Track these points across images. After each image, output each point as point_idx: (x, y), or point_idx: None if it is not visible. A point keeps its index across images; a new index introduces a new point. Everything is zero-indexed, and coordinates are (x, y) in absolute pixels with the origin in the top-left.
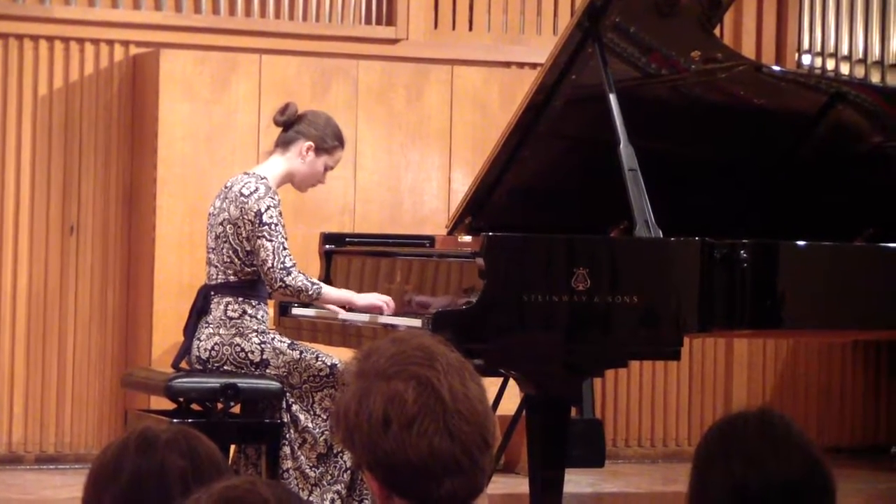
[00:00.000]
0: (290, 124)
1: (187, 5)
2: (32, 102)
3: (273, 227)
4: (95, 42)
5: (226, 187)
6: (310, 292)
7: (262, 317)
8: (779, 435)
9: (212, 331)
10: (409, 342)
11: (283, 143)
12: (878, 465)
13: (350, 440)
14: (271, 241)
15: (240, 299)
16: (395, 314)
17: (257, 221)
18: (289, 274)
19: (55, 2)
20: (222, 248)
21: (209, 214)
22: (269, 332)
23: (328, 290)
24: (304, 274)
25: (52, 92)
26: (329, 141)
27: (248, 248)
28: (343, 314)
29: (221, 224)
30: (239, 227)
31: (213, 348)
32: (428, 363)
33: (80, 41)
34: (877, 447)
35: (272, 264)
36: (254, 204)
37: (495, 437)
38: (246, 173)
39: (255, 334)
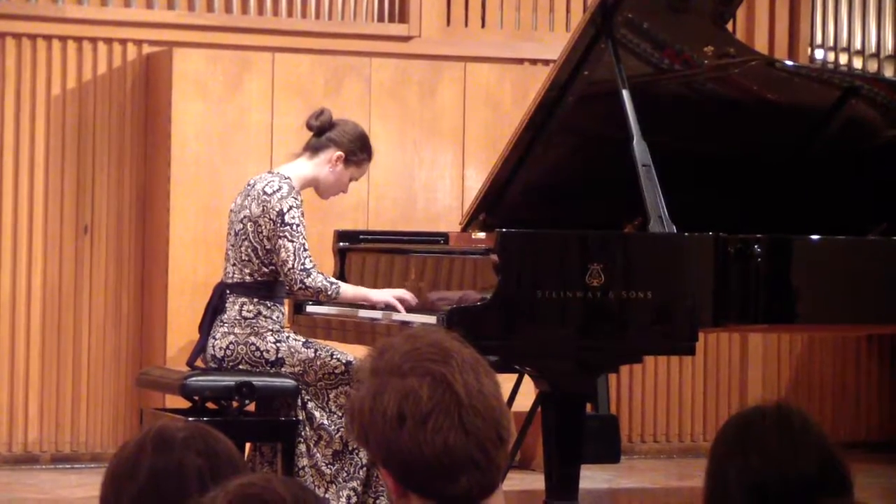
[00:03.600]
0: (322, 130)
1: (200, 4)
2: (46, 102)
3: (295, 227)
4: (108, 41)
5: (248, 185)
6: (329, 292)
7: (278, 317)
8: (796, 429)
9: (226, 330)
10: (424, 339)
11: (312, 148)
12: (893, 460)
13: (365, 437)
14: (292, 241)
15: (255, 300)
16: (411, 311)
17: (279, 221)
18: (308, 275)
19: (68, 1)
20: (241, 246)
21: (230, 211)
22: (283, 331)
23: (346, 289)
24: (322, 274)
25: (65, 92)
26: (359, 154)
27: (268, 247)
28: (358, 311)
29: (242, 221)
30: (260, 225)
31: (227, 347)
32: (442, 359)
33: (93, 41)
34: (892, 441)
35: (292, 265)
36: (276, 203)
37: (510, 433)
38: (270, 172)
39: (270, 333)
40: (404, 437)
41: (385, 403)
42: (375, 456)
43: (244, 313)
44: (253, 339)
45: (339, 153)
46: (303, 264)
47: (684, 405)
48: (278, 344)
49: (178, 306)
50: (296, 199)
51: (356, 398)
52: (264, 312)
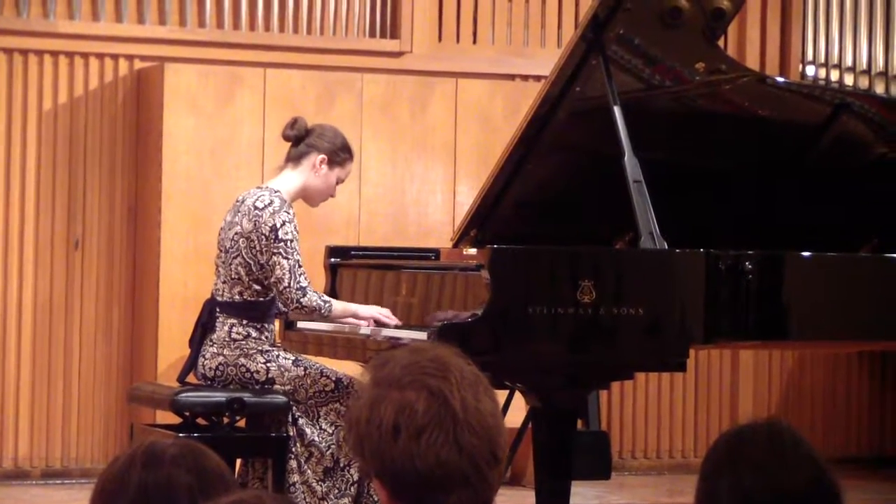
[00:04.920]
0: (299, 138)
1: (191, 19)
2: (37, 117)
3: (289, 243)
4: (100, 56)
5: (238, 201)
6: (322, 311)
7: (267, 337)
8: (787, 446)
9: (216, 350)
10: (426, 353)
11: (294, 158)
12: (884, 476)
13: (360, 447)
14: (287, 258)
15: (244, 322)
16: (402, 327)
17: (272, 237)
18: (304, 294)
19: (60, 16)
20: (231, 263)
21: (220, 228)
22: (273, 350)
23: (336, 306)
24: (316, 292)
25: (56, 106)
26: (341, 154)
27: (262, 262)
28: (348, 328)
29: (233, 239)
30: (252, 240)
31: (217, 368)
32: (442, 375)
33: (85, 56)
34: (883, 457)
35: (288, 283)
36: (269, 218)
37: (506, 452)
38: (259, 187)
39: (259, 354)
40: (398, 449)
41: (381, 414)
42: (369, 466)
43: (233, 335)
44: (243, 360)
45: (322, 156)
46: (298, 283)
47: (675, 421)
48: (268, 364)
49: (168, 321)
50: (288, 213)
51: (354, 408)
52: (253, 334)
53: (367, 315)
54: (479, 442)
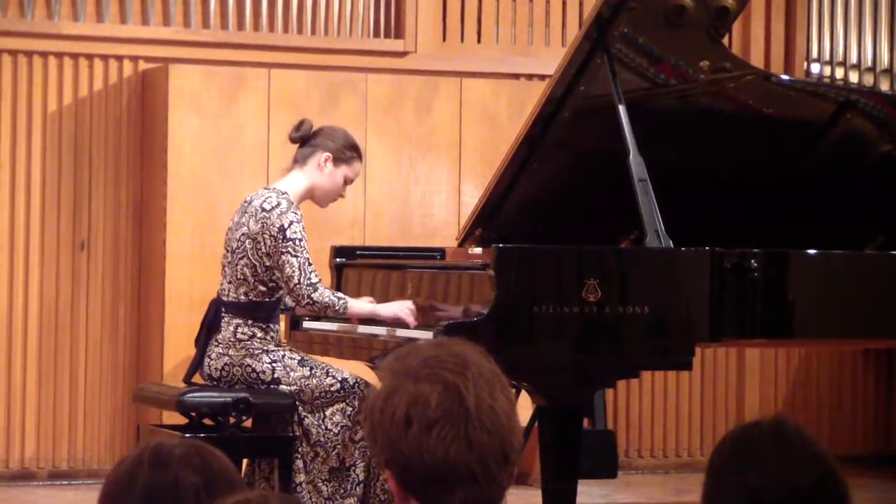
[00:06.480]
0: (305, 140)
1: (195, 20)
2: (42, 119)
3: (297, 242)
4: (104, 58)
5: (245, 202)
6: (337, 307)
7: (273, 337)
8: (793, 444)
9: (221, 351)
10: (448, 348)
11: (300, 159)
12: (890, 474)
13: (373, 436)
14: (296, 256)
15: (249, 322)
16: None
17: (281, 237)
18: (315, 290)
19: (64, 18)
20: (237, 264)
21: (227, 229)
22: (279, 350)
23: (353, 304)
24: (329, 289)
25: (61, 108)
26: (347, 152)
27: (268, 264)
28: (359, 327)
29: (239, 239)
30: (259, 242)
31: (223, 369)
32: (459, 370)
33: (89, 57)
34: (889, 455)
35: (299, 280)
36: (276, 219)
37: (518, 453)
38: (266, 188)
39: (265, 354)
40: (408, 440)
41: (395, 405)
42: (381, 456)
43: (239, 335)
44: (248, 360)
45: (327, 154)
46: (309, 279)
47: (681, 420)
48: (274, 364)
49: (174, 322)
50: (296, 213)
51: (372, 396)
52: (259, 334)
53: (388, 315)
54: (490, 440)
